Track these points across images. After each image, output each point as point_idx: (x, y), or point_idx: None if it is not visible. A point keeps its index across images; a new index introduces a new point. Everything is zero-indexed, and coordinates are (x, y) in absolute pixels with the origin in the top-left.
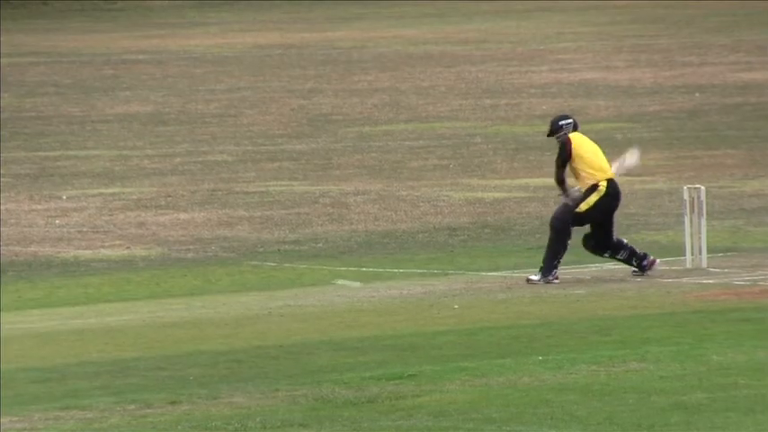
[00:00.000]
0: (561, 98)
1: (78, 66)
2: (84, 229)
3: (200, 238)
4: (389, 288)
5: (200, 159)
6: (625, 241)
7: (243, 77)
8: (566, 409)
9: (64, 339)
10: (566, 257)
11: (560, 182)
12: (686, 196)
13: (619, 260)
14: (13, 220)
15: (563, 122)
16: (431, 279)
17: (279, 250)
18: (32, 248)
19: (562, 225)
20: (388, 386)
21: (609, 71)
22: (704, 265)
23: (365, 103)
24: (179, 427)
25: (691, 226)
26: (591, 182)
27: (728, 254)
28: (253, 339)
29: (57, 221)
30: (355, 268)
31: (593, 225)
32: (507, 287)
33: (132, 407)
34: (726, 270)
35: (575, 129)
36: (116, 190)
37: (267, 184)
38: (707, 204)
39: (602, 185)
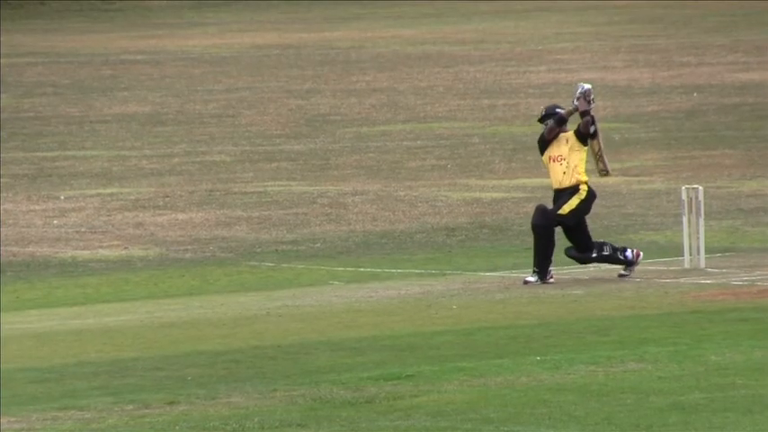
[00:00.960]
0: (559, 98)
1: (76, 66)
2: (82, 230)
3: (197, 238)
4: (387, 288)
5: (198, 160)
6: (601, 240)
7: (241, 78)
8: (564, 410)
9: (62, 340)
10: (564, 258)
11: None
12: (684, 196)
13: (605, 257)
14: (11, 221)
15: (558, 110)
16: (429, 279)
17: (277, 250)
18: (30, 249)
19: (544, 231)
20: (386, 386)
21: (607, 71)
22: (702, 265)
23: (363, 104)
24: (177, 427)
25: (689, 226)
26: (576, 179)
27: (726, 254)
28: (251, 339)
29: (55, 222)
30: (353, 268)
31: (569, 233)
32: (505, 287)
33: (130, 407)
34: (724, 270)
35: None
36: (114, 190)
37: (265, 184)
38: (705, 204)
39: (584, 189)
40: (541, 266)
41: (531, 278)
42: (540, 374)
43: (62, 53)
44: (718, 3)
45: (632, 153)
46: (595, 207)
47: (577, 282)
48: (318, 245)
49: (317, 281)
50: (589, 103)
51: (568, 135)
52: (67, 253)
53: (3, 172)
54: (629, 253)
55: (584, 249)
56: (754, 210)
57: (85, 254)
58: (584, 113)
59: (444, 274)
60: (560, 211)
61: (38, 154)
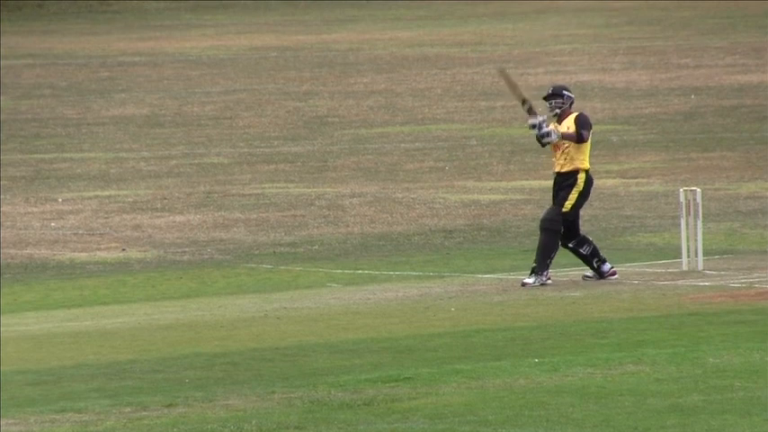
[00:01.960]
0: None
1: (74, 68)
2: (80, 232)
3: (195, 240)
4: (385, 290)
5: (195, 162)
6: (590, 238)
7: (238, 80)
8: (562, 412)
9: (59, 342)
10: (562, 260)
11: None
12: (682, 198)
13: (580, 255)
14: (9, 223)
15: (566, 93)
16: (427, 281)
17: (274, 252)
18: (28, 251)
19: (552, 225)
20: (383, 389)
21: (605, 73)
22: (700, 267)
23: (361, 106)
24: (175, 429)
25: (687, 228)
26: (575, 167)
27: (725, 256)
28: (248, 342)
29: (52, 224)
30: (351, 271)
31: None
32: (503, 289)
33: (128, 409)
34: (722, 272)
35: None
36: (112, 192)
37: (263, 186)
38: (703, 207)
39: (581, 178)
40: (541, 264)
41: (529, 280)
42: (538, 377)
43: (60, 55)
44: (715, 4)
45: (630, 155)
46: (594, 209)
47: (575, 284)
48: (316, 247)
49: (314, 283)
50: (549, 134)
51: (570, 122)
52: (65, 255)
53: (1, 174)
54: (606, 267)
55: (567, 237)
56: (752, 212)
57: (83, 256)
58: (565, 137)
59: (442, 276)
60: (564, 209)
61: (36, 156)
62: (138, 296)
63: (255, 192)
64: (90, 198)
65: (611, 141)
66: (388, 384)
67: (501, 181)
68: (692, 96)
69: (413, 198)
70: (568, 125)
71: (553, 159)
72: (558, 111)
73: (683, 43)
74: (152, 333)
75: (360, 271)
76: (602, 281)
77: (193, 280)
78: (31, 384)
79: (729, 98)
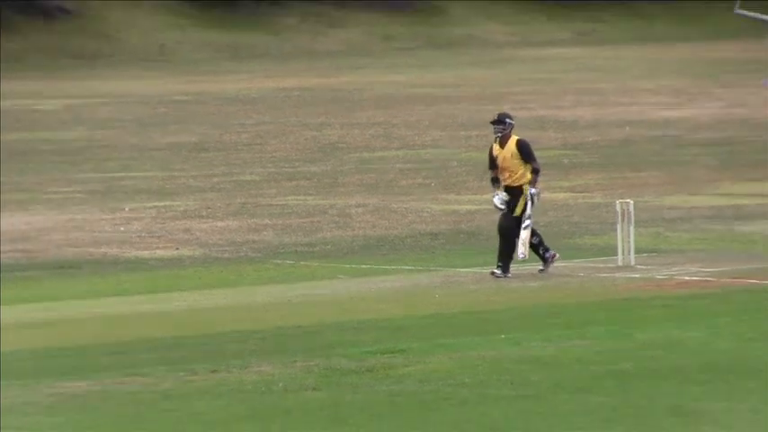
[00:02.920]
0: (520, 130)
1: (138, 105)
2: (143, 235)
3: (233, 241)
4: (384, 281)
5: (233, 179)
6: (538, 231)
7: (267, 114)
8: (523, 376)
9: (128, 321)
10: (530, 258)
11: (493, 180)
12: (618, 208)
13: (531, 243)
14: (87, 227)
15: (508, 120)
16: (417, 274)
17: (296, 251)
18: (102, 250)
19: (508, 231)
20: (382, 358)
21: (558, 109)
22: (632, 263)
23: (364, 134)
24: (218, 390)
25: (621, 232)
26: (521, 183)
27: (651, 254)
28: (276, 321)
29: (121, 228)
30: (356, 266)
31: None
32: (478, 280)
33: (181, 374)
34: (649, 267)
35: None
36: (167, 203)
37: (286, 198)
38: (634, 215)
39: (526, 188)
40: (504, 263)
41: (498, 271)
42: (504, 349)
43: (126, 95)
44: (644, 53)
45: (578, 174)
46: (548, 216)
47: (534, 276)
48: (329, 247)
49: (327, 275)
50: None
51: (512, 150)
52: (131, 253)
53: (81, 189)
54: (549, 253)
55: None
56: (673, 219)
57: (145, 254)
58: (536, 185)
59: (429, 270)
60: (515, 214)
61: (107, 175)
62: (188, 286)
63: (280, 203)
64: (150, 208)
65: (563, 163)
66: (385, 355)
67: (476, 195)
68: (627, 128)
69: (405, 208)
70: (511, 148)
71: (499, 176)
72: (499, 135)
73: (619, 85)
74: (200, 314)
75: (363, 266)
76: (554, 273)
77: (232, 273)
78: (106, 354)
79: (656, 129)
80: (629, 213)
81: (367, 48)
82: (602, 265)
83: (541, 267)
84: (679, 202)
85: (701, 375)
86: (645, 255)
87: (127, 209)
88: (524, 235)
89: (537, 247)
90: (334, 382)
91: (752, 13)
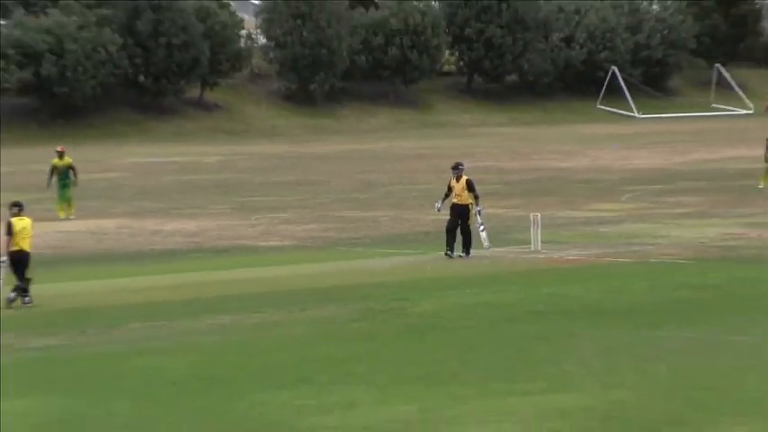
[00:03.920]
0: (475, 173)
1: (261, 159)
2: (262, 233)
3: (312, 236)
4: (398, 260)
5: (314, 201)
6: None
7: (334, 164)
8: (480, 313)
9: (247, 282)
10: (492, 246)
11: (445, 196)
12: (531, 218)
13: (467, 243)
14: (231, 229)
15: (461, 166)
16: (416, 256)
17: (349, 242)
18: (240, 241)
19: (451, 230)
20: (397, 303)
21: (497, 162)
22: (539, 248)
23: (388, 176)
24: (304, 321)
25: (533, 231)
26: (466, 203)
27: (550, 244)
28: (335, 282)
29: (250, 229)
30: (383, 251)
31: (463, 224)
32: (450, 260)
33: (283, 312)
34: (549, 251)
35: (457, 170)
36: (276, 215)
37: (344, 212)
38: (541, 222)
39: (471, 205)
40: (451, 248)
41: (449, 254)
42: (470, 298)
43: (254, 153)
44: (547, 129)
45: (508, 199)
46: (492, 222)
47: (484, 256)
48: (368, 240)
49: (366, 257)
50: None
51: (463, 185)
52: (255, 243)
53: (227, 206)
54: (470, 251)
55: (466, 233)
56: (562, 224)
57: (263, 244)
58: (478, 203)
59: (423, 254)
60: (468, 222)
61: (243, 198)
62: (286, 261)
63: (340, 215)
64: (266, 217)
65: (500, 192)
66: (399, 301)
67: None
68: (536, 173)
69: (411, 217)
70: (462, 183)
71: (451, 197)
72: (456, 173)
73: (533, 148)
74: (291, 278)
75: (387, 251)
76: (495, 255)
77: (311, 255)
78: (239, 300)
79: (553, 173)
80: (537, 221)
81: (388, 127)
82: (522, 250)
83: (461, 254)
84: (566, 214)
85: (580, 313)
86: (546, 244)
87: (253, 218)
88: (484, 235)
89: (467, 245)
90: (369, 317)
91: (607, 108)
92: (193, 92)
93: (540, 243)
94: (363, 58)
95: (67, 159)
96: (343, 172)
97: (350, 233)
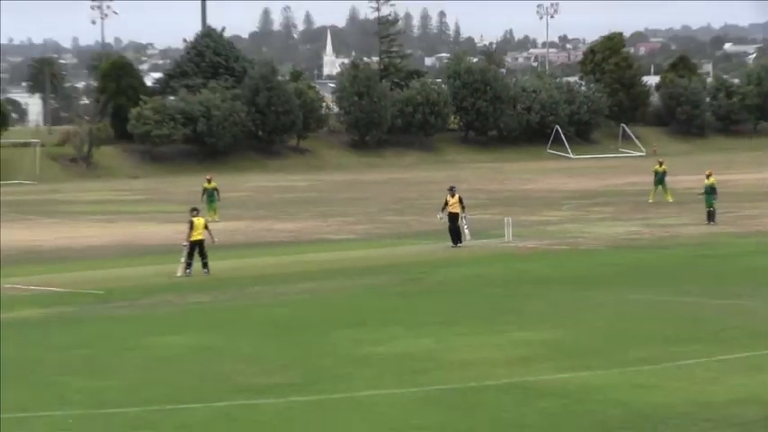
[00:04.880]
0: (466, 193)
1: (335, 184)
2: (335, 229)
3: (370, 233)
4: (420, 247)
5: (368, 210)
6: (464, 234)
7: (381, 187)
8: (474, 281)
9: (333, 260)
10: (479, 240)
11: (443, 208)
12: (506, 220)
13: (458, 235)
14: (318, 228)
15: (454, 188)
16: (431, 245)
17: (393, 237)
18: (321, 235)
19: (453, 230)
20: (421, 275)
21: (484, 185)
22: (511, 240)
23: (414, 195)
24: (362, 285)
25: (507, 229)
26: (456, 212)
27: (520, 237)
28: (384, 262)
29: (327, 228)
30: (412, 241)
31: (453, 225)
32: (455, 249)
33: (335, 283)
34: (518, 242)
35: (452, 190)
36: (345, 218)
37: (388, 217)
38: (513, 223)
39: (460, 214)
40: (454, 242)
41: (452, 245)
42: (468, 270)
43: (330, 180)
44: (522, 163)
45: (493, 208)
46: (481, 224)
47: (475, 245)
48: (401, 235)
49: (401, 245)
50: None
51: (456, 200)
52: (331, 237)
53: (312, 213)
54: (465, 241)
55: (456, 233)
56: (525, 225)
57: (336, 236)
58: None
59: (434, 243)
60: (458, 224)
61: (324, 209)
62: (350, 248)
63: (386, 219)
64: (341, 221)
65: (484, 204)
66: (422, 273)
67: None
68: (507, 192)
69: (427, 220)
70: (455, 198)
71: (448, 208)
72: (451, 192)
73: (505, 177)
74: (353, 259)
75: (413, 242)
76: (481, 245)
77: (366, 244)
78: (314, 272)
79: (520, 193)
80: (509, 222)
81: (414, 164)
82: (499, 242)
83: (451, 245)
84: (527, 218)
85: (536, 280)
86: (514, 237)
87: (329, 221)
88: (467, 232)
89: (457, 238)
90: (402, 283)
91: (553, 151)
92: (292, 141)
93: (510, 236)
94: (399, 120)
95: (213, 183)
96: (385, 192)
97: (389, 230)
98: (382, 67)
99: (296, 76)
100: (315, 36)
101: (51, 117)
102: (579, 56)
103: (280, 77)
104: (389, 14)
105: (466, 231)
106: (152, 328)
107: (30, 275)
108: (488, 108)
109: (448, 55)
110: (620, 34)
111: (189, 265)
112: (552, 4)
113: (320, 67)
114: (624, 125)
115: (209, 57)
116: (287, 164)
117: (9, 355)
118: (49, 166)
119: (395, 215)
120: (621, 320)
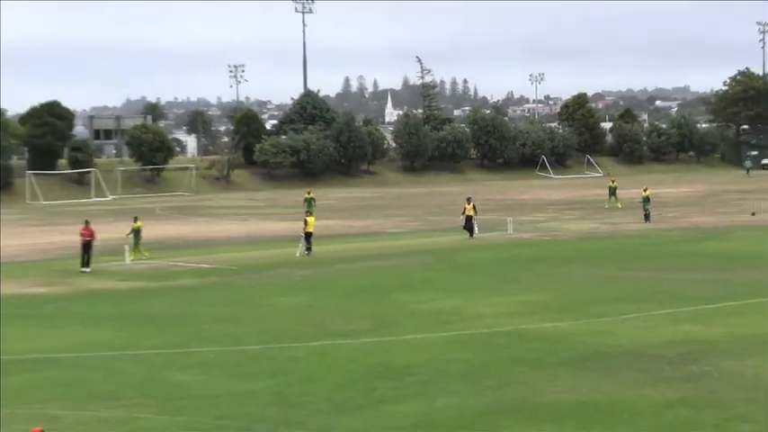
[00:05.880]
0: (482, 202)
1: (388, 197)
2: (393, 226)
3: (414, 230)
4: (449, 238)
5: (413, 212)
6: (474, 230)
7: (416, 199)
8: (483, 263)
9: (390, 247)
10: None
11: (462, 212)
12: (508, 220)
13: (471, 228)
14: (379, 225)
15: (470, 197)
16: (457, 236)
17: (427, 231)
18: (390, 230)
19: (469, 226)
20: (450, 255)
21: (493, 196)
22: (511, 233)
23: (434, 204)
24: (400, 263)
25: (509, 225)
26: (471, 215)
27: (499, 231)
28: (420, 248)
29: (387, 223)
30: (438, 234)
31: (469, 224)
32: (468, 240)
33: (378, 262)
34: (511, 234)
35: (469, 200)
36: (399, 219)
37: (426, 217)
38: (513, 222)
39: (474, 216)
40: (471, 235)
41: (467, 237)
42: (476, 255)
43: (386, 193)
44: (521, 182)
45: (499, 212)
46: (489, 223)
47: (483, 237)
48: (438, 229)
49: (437, 236)
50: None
51: (471, 206)
52: (388, 230)
53: (378, 214)
54: (475, 234)
55: (470, 229)
56: (522, 222)
57: (393, 230)
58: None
59: (453, 236)
60: (473, 223)
61: (383, 212)
62: (403, 238)
63: (425, 218)
64: (392, 222)
65: (493, 209)
66: (450, 255)
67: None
68: (508, 202)
69: (447, 219)
70: (471, 205)
71: (465, 212)
72: (468, 200)
73: (511, 190)
74: (405, 246)
75: (445, 234)
76: (488, 237)
77: (414, 235)
78: (375, 255)
79: (512, 203)
80: (510, 221)
81: (446, 181)
82: (503, 234)
83: (466, 237)
84: (522, 218)
85: (530, 259)
86: (514, 231)
87: (388, 219)
88: (476, 229)
89: (470, 231)
90: (438, 261)
91: (541, 173)
92: (364, 166)
93: (511, 230)
94: (436, 152)
95: (311, 194)
96: (426, 201)
97: (430, 227)
98: (425, 116)
99: (367, 122)
100: (380, 95)
101: (202, 150)
102: (558, 109)
103: (356, 123)
104: (431, 81)
105: (476, 228)
106: (271, 292)
107: (187, 256)
108: (497, 144)
109: (469, 108)
110: (585, 94)
111: (309, 249)
112: (540, 74)
113: (383, 116)
114: (588, 156)
115: (309, 109)
116: (361, 182)
117: (174, 310)
118: (201, 183)
119: (433, 216)
120: (586, 287)
